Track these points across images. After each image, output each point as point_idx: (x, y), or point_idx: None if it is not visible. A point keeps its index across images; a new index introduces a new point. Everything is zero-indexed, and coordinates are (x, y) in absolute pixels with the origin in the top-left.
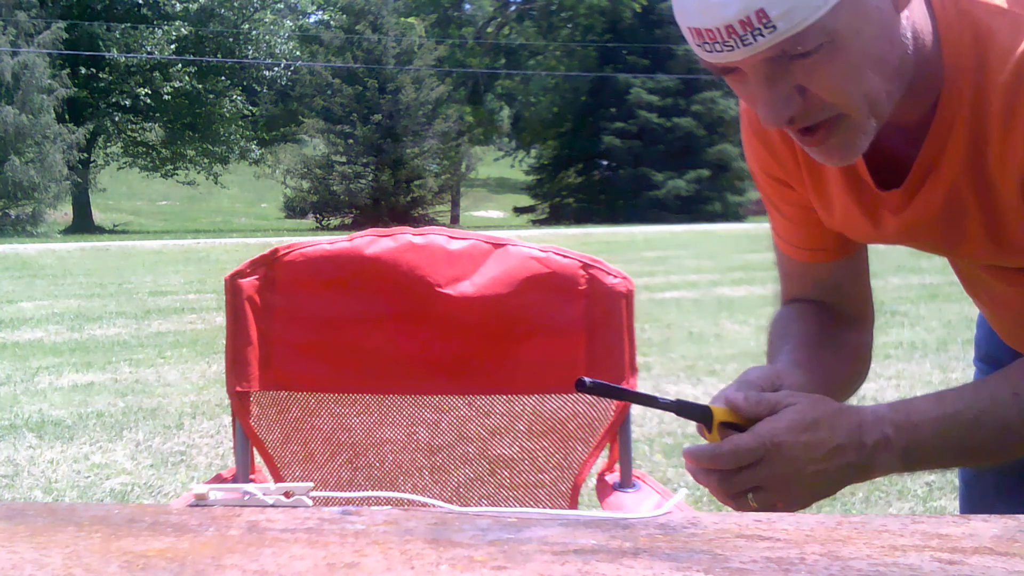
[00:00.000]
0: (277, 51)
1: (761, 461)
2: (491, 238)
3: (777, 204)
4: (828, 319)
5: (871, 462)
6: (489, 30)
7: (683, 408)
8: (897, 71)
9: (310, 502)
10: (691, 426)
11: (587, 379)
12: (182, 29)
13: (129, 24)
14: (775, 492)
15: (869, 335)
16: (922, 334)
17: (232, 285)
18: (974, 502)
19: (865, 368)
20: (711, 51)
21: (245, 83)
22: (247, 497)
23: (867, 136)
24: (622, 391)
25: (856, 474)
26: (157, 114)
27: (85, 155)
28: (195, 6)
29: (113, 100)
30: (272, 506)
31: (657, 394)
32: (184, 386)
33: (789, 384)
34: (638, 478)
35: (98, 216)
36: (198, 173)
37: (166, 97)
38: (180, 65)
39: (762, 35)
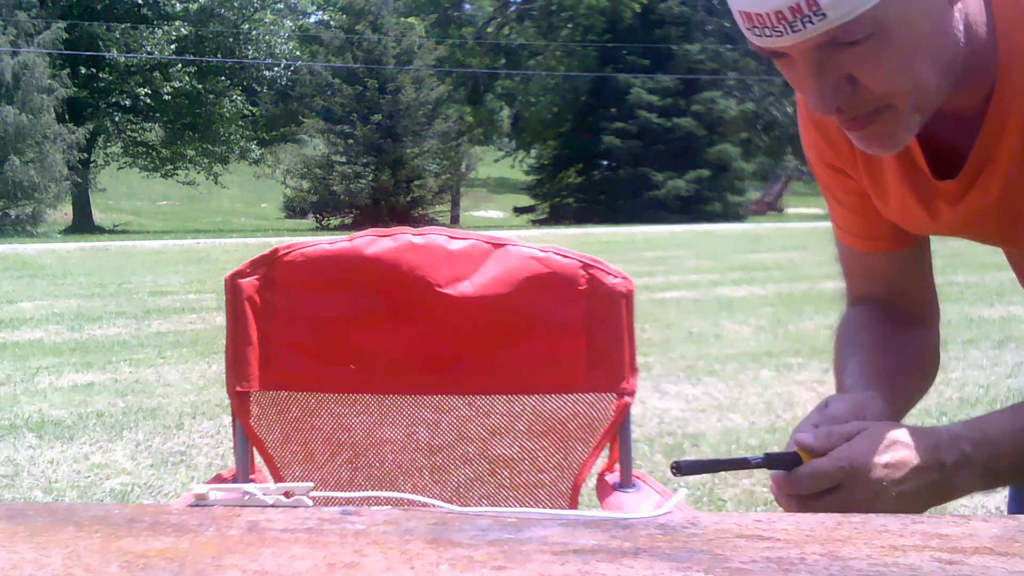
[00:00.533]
0: (277, 51)
1: (841, 486)
2: (491, 238)
3: (835, 193)
4: (894, 321)
5: (952, 482)
6: (489, 30)
7: (774, 461)
8: (949, 65)
9: (310, 502)
10: (691, 427)
11: (682, 462)
12: (182, 29)
13: (129, 24)
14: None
15: (935, 335)
16: None
17: (232, 285)
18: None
19: (933, 370)
20: (760, 35)
21: (245, 83)
22: (247, 497)
23: (909, 130)
24: (717, 463)
25: (937, 495)
26: (157, 114)
27: (85, 155)
28: (195, 6)
29: (113, 100)
30: (272, 506)
31: (747, 455)
32: (184, 386)
33: (872, 413)
34: (638, 478)
35: (98, 216)
36: (198, 173)
37: (166, 97)
38: (180, 65)
39: (811, 22)
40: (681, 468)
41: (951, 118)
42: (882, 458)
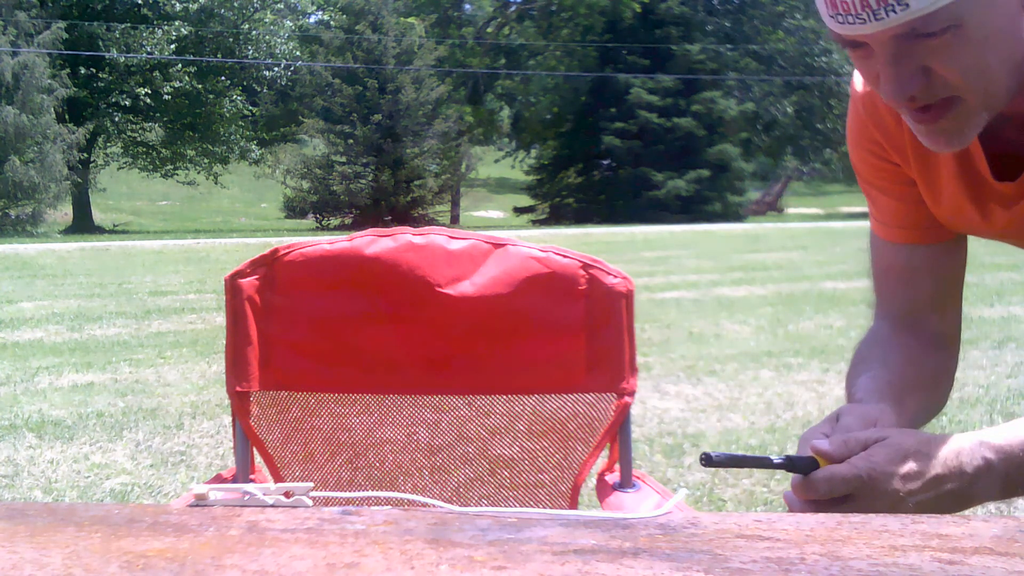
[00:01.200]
0: (277, 51)
1: (860, 495)
2: (491, 238)
3: (883, 184)
4: (915, 340)
5: (972, 489)
6: (489, 30)
7: (793, 464)
8: (1018, 66)
9: (310, 502)
10: (691, 427)
11: (712, 453)
12: (182, 29)
13: (129, 24)
14: None
15: (953, 359)
16: None
17: (232, 285)
18: None
19: (946, 392)
20: (843, 23)
21: (245, 83)
22: (247, 497)
23: (975, 128)
24: (744, 459)
25: (957, 503)
26: (157, 114)
27: (85, 155)
28: (195, 6)
29: (113, 100)
30: (272, 506)
31: (771, 456)
32: (184, 386)
33: (885, 426)
34: (638, 478)
35: (98, 216)
36: (198, 173)
37: (166, 97)
38: (180, 65)
39: (894, 11)
40: (712, 460)
41: (1012, 121)
42: (901, 468)
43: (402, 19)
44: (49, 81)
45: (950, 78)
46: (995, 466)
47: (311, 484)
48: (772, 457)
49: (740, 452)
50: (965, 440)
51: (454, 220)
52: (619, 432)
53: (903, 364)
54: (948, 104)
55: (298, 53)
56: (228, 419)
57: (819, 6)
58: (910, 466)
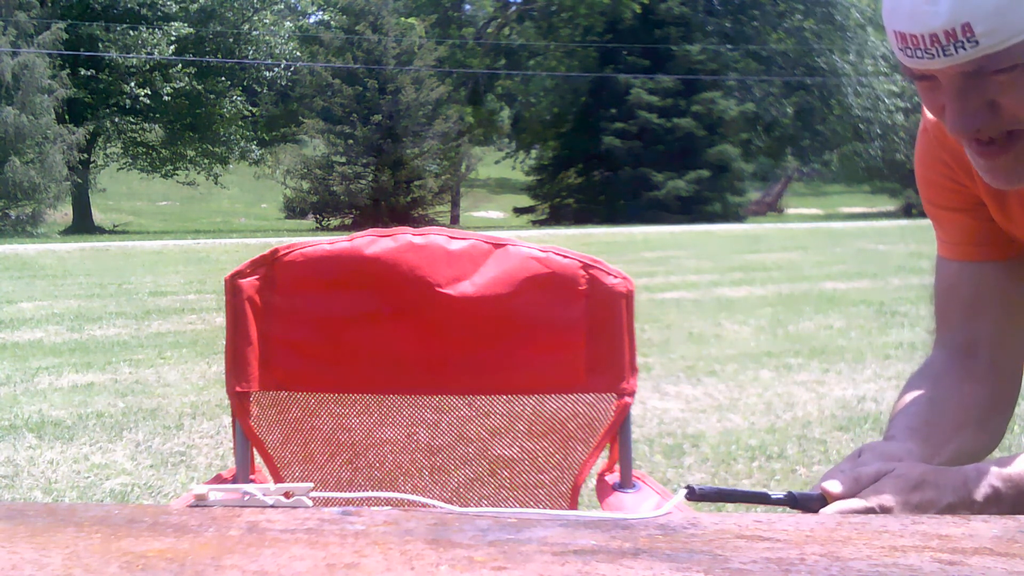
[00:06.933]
0: (277, 51)
1: None
2: (491, 238)
3: (948, 204)
4: (971, 373)
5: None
6: (489, 30)
7: (798, 501)
8: None
9: (310, 502)
10: (691, 427)
11: (696, 487)
12: (182, 29)
13: (129, 24)
14: None
15: (1011, 397)
16: (922, 334)
17: (232, 285)
18: None
19: (995, 434)
20: (911, 56)
21: (245, 83)
22: (247, 497)
23: None
24: (733, 493)
25: None
26: (157, 115)
27: (85, 156)
28: (195, 6)
29: (113, 101)
30: (272, 506)
31: (768, 491)
32: (184, 386)
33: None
34: (638, 478)
35: (98, 216)
36: (198, 173)
37: (166, 98)
38: (180, 65)
39: (964, 48)
40: (696, 493)
41: None
42: (913, 498)
43: (402, 19)
44: (49, 82)
45: (1017, 112)
46: (1003, 495)
47: (311, 484)
48: (771, 492)
49: (741, 455)
50: (971, 471)
51: (454, 220)
52: (619, 432)
53: (949, 401)
54: (1011, 139)
55: (298, 53)
56: (228, 419)
57: (889, 38)
58: (921, 496)
